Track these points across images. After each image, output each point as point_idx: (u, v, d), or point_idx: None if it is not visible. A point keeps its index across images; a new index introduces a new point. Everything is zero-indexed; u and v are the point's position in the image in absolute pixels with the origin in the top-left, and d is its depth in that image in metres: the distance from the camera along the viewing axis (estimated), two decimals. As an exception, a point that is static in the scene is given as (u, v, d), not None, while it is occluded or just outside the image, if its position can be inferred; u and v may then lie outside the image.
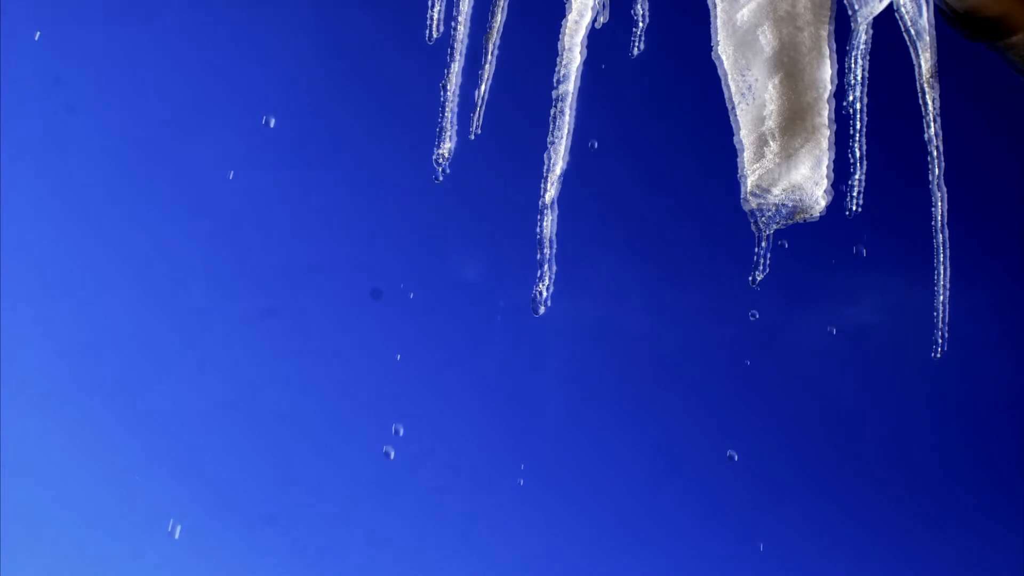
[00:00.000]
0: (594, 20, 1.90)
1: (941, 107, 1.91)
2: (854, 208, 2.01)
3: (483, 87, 1.82)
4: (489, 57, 1.83)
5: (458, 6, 1.82)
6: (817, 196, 1.88)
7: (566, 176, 1.88)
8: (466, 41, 1.83)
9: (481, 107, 1.82)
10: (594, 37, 1.95)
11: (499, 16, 1.83)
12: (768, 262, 1.88)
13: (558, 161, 1.84)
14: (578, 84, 1.89)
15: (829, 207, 1.92)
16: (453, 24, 1.82)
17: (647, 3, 2.05)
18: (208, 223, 5.74)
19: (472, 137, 1.82)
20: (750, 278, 1.90)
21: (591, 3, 1.89)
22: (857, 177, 2.01)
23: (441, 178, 1.83)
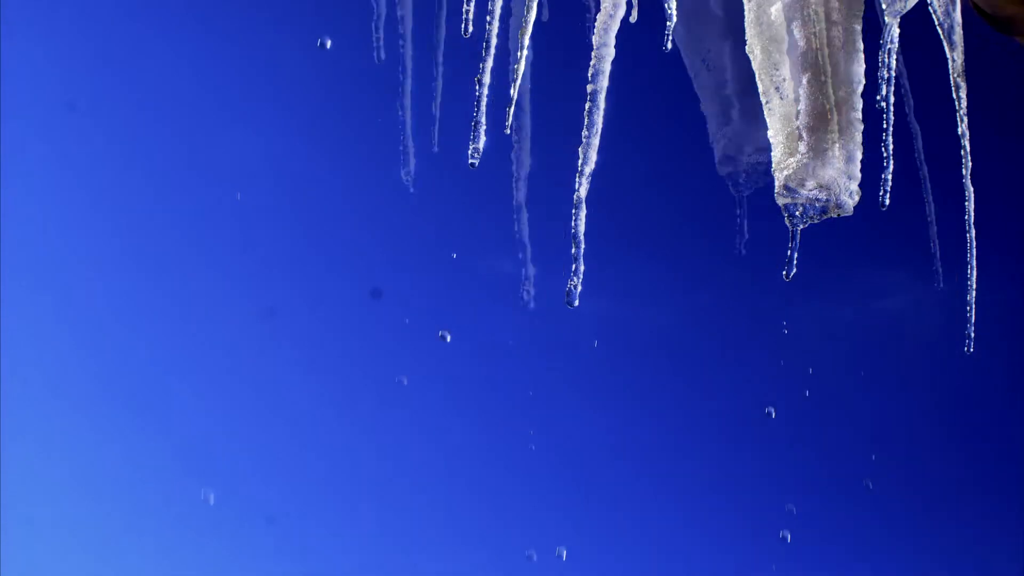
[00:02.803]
0: (627, 16, 1.90)
1: (974, 103, 1.91)
2: (884, 203, 2.01)
3: (516, 83, 1.82)
4: (523, 52, 1.83)
5: (492, 2, 1.82)
6: (849, 192, 1.88)
7: (599, 172, 1.88)
8: (498, 37, 1.83)
9: (512, 103, 1.83)
10: (626, 33, 1.95)
11: (532, 12, 1.83)
12: (796, 258, 1.88)
13: (590, 158, 1.84)
14: (610, 80, 1.89)
15: (860, 203, 1.93)
16: (488, 19, 1.82)
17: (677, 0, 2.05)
18: (212, 221, 5.74)
19: (507, 132, 1.83)
20: (783, 273, 1.91)
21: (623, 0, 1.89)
22: (887, 172, 2.01)
23: (476, 163, 1.84)
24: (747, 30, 1.97)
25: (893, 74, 2.03)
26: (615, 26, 1.89)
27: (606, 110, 1.90)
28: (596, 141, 1.85)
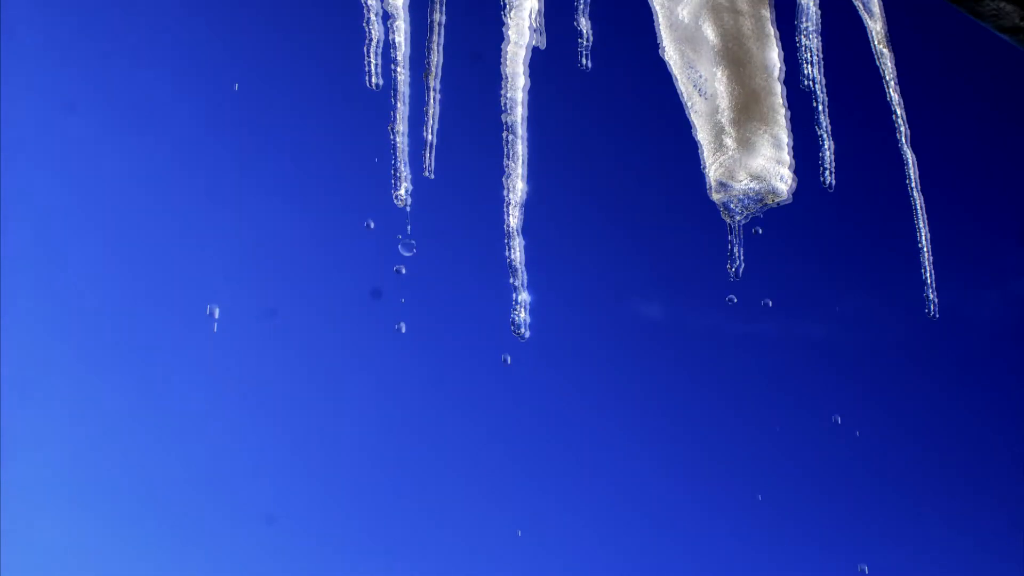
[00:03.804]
0: (533, 43, 1.92)
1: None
2: (829, 182, 1.99)
3: (430, 125, 1.85)
4: (433, 95, 1.85)
5: (394, 49, 1.85)
6: (781, 177, 1.87)
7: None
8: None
9: (430, 146, 1.85)
10: (541, 58, 1.97)
11: (436, 55, 1.86)
12: (741, 254, 1.87)
13: (517, 187, 1.85)
14: (527, 108, 1.91)
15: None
16: (395, 67, 1.85)
17: (589, 18, 2.06)
18: (213, 221, 5.77)
19: (427, 175, 1.85)
20: (727, 267, 1.90)
21: (528, 27, 1.91)
22: (826, 151, 1.99)
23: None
24: (661, 35, 1.97)
25: (819, 55, 2.01)
26: (523, 54, 1.90)
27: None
28: (522, 171, 1.86)
